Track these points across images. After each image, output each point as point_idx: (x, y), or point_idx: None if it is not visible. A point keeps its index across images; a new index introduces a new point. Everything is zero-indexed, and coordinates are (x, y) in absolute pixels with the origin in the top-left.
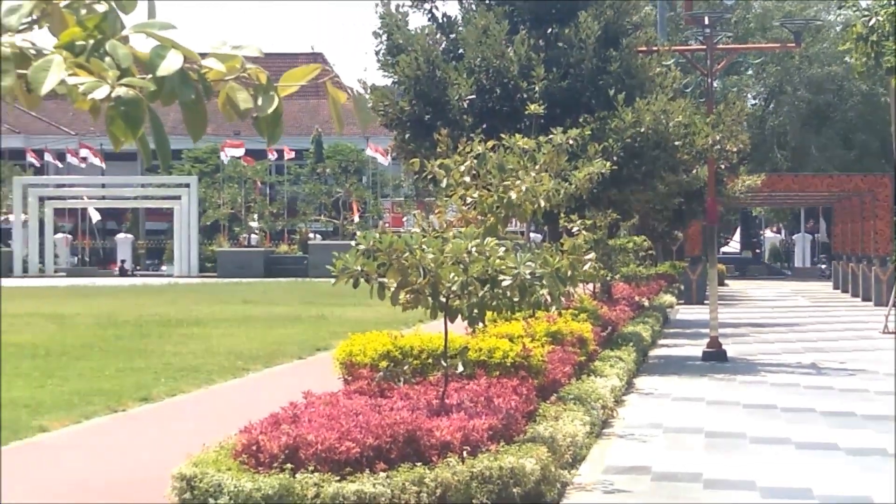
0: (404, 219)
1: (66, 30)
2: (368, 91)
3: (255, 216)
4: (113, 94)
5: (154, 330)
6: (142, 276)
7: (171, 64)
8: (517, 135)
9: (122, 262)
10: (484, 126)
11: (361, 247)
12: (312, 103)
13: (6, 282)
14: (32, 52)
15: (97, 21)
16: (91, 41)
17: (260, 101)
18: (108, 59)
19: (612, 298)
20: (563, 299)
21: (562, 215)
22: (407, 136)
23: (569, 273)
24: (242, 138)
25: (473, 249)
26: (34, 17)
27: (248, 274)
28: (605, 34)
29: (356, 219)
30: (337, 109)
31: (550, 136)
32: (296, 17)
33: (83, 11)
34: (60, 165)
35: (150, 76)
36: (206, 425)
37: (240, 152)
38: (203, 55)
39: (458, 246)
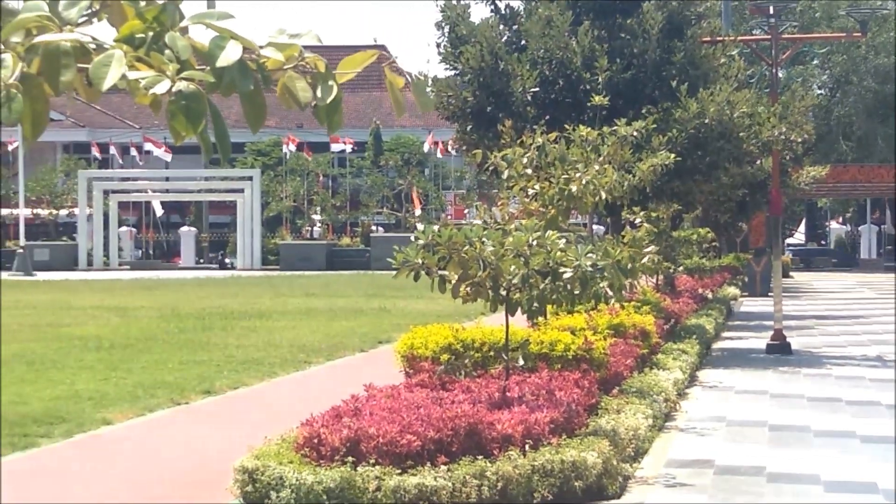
0: (466, 211)
1: (125, 22)
2: (430, 83)
3: (318, 209)
4: (174, 89)
5: (217, 322)
6: (205, 268)
7: (230, 55)
8: (581, 126)
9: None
10: (546, 117)
11: (421, 241)
12: (375, 95)
13: (72, 275)
14: (93, 46)
15: (156, 13)
16: (150, 34)
17: (319, 90)
18: (167, 51)
19: (676, 291)
20: (624, 292)
21: (624, 207)
22: (469, 127)
23: (629, 265)
24: (305, 131)
25: (534, 242)
26: (93, 9)
27: (311, 267)
28: (668, 24)
29: (418, 211)
30: (395, 93)
31: (615, 127)
32: (358, 10)
33: (142, 3)
34: (122, 160)
35: (208, 68)
36: (269, 418)
37: (296, 146)
38: (261, 46)
39: (519, 239)
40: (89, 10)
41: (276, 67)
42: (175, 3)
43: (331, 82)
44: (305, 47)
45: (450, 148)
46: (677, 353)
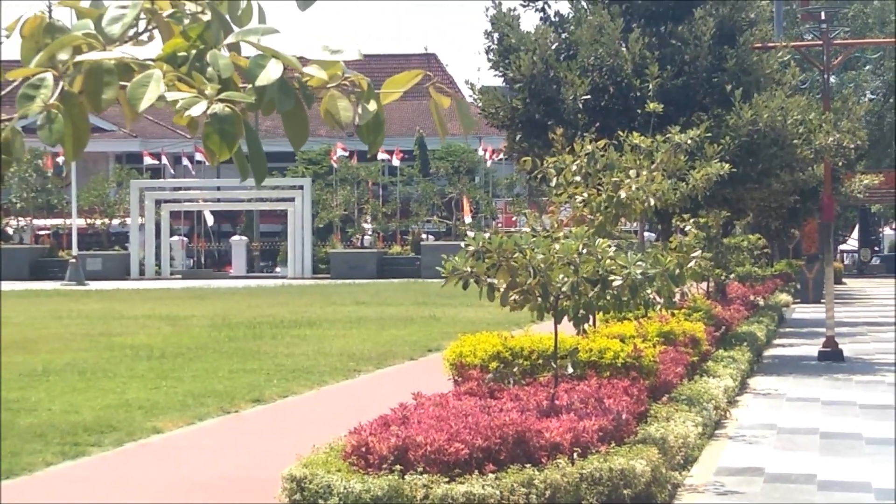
0: (515, 218)
1: (171, 38)
2: (477, 93)
3: (368, 217)
4: (209, 111)
5: (267, 331)
6: (256, 277)
7: (270, 74)
8: (635, 133)
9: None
10: (597, 125)
11: (471, 248)
12: (425, 104)
13: (124, 284)
14: (135, 65)
15: (200, 30)
16: (193, 52)
17: (360, 110)
18: (209, 69)
19: (727, 298)
20: (674, 298)
21: (675, 214)
22: (519, 135)
23: (676, 272)
24: (356, 140)
25: (584, 250)
26: (139, 28)
27: (361, 275)
28: (720, 31)
29: (468, 219)
30: (439, 115)
31: (668, 134)
32: (411, 18)
33: (186, 21)
34: (174, 170)
35: (249, 86)
36: (317, 426)
37: (343, 153)
38: (303, 60)
39: (569, 246)
40: (135, 28)
41: (319, 85)
42: (217, 22)
43: (372, 102)
44: (348, 64)
45: (500, 155)
46: (728, 361)
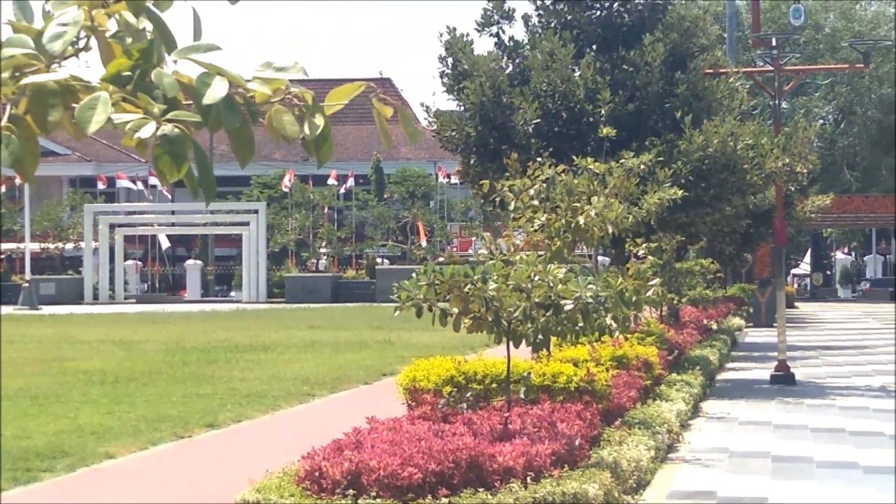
0: (474, 240)
1: (112, 59)
2: (432, 116)
3: (323, 241)
4: (158, 132)
5: (221, 356)
6: (211, 301)
7: (216, 92)
8: (588, 158)
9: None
10: (551, 150)
11: (423, 281)
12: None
13: (77, 308)
14: (80, 85)
15: (142, 47)
16: (137, 71)
17: (306, 124)
18: (155, 90)
19: (680, 322)
20: (627, 323)
21: (627, 239)
22: (473, 160)
23: (633, 298)
24: (311, 164)
25: (536, 277)
26: (79, 44)
27: (316, 299)
28: (671, 56)
29: (424, 243)
30: (382, 124)
31: (622, 160)
32: (365, 43)
33: (129, 40)
34: (128, 194)
35: (195, 106)
36: (271, 451)
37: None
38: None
39: (521, 273)
40: (75, 44)
41: (263, 101)
42: (160, 38)
43: (318, 115)
44: (299, 81)
45: (454, 179)
46: (681, 385)
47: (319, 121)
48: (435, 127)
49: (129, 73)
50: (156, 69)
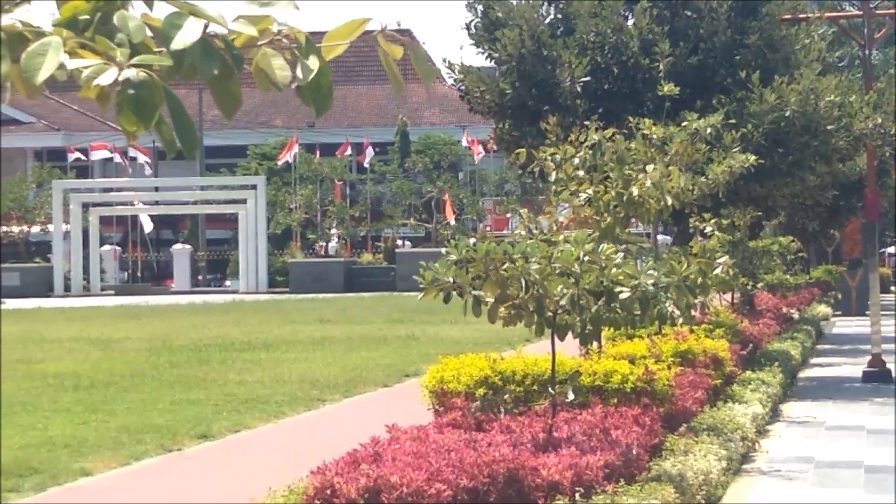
0: (510, 216)
1: (68, 2)
2: (458, 73)
3: (334, 221)
4: (120, 78)
5: (215, 355)
6: (202, 292)
7: (188, 35)
8: (645, 119)
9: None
10: (599, 111)
11: (453, 257)
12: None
13: (46, 302)
14: (30, 33)
15: None
16: (98, 14)
17: (299, 68)
18: (119, 34)
19: (755, 310)
20: (693, 312)
21: (693, 214)
22: (508, 124)
23: (698, 281)
24: (318, 131)
25: (586, 257)
26: None
27: (326, 288)
28: (741, 1)
29: (452, 222)
30: (391, 67)
31: (685, 121)
32: None
33: None
34: (104, 168)
35: (166, 51)
36: (275, 466)
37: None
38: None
39: (568, 254)
40: None
41: (248, 44)
42: None
43: (313, 58)
44: (282, 28)
45: (487, 147)
46: (756, 384)
47: (314, 63)
48: (462, 86)
49: (88, 16)
50: (119, 11)
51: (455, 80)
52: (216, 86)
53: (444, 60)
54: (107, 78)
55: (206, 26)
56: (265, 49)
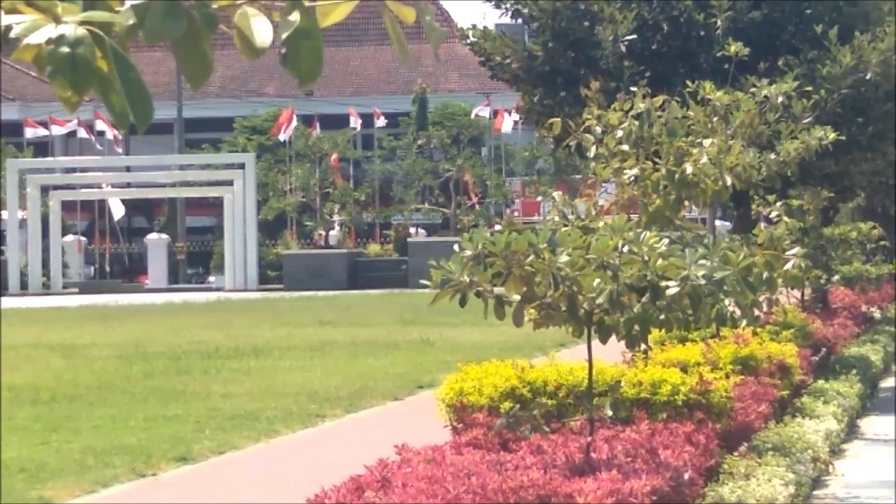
0: (541, 201)
1: None
2: (478, 37)
3: (336, 206)
4: (55, 35)
5: (196, 364)
6: (182, 289)
7: None
8: (706, 84)
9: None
10: (647, 75)
11: (468, 252)
12: (413, 50)
13: None
14: None
15: None
16: None
17: (280, 23)
18: None
19: (829, 309)
20: (756, 312)
21: (756, 197)
22: (538, 93)
23: (763, 275)
24: (316, 101)
25: (625, 248)
26: None
27: (326, 285)
28: None
29: (475, 206)
30: (395, 30)
31: (753, 87)
32: None
33: None
34: (67, 145)
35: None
36: (266, 493)
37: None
38: None
39: (604, 244)
40: None
41: (228, 3)
42: None
43: (296, 13)
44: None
45: (513, 117)
46: (831, 395)
47: (295, 17)
48: (483, 49)
49: None
50: None
51: (472, 45)
52: (180, 49)
53: (462, 31)
54: (40, 36)
55: None
56: (245, 7)
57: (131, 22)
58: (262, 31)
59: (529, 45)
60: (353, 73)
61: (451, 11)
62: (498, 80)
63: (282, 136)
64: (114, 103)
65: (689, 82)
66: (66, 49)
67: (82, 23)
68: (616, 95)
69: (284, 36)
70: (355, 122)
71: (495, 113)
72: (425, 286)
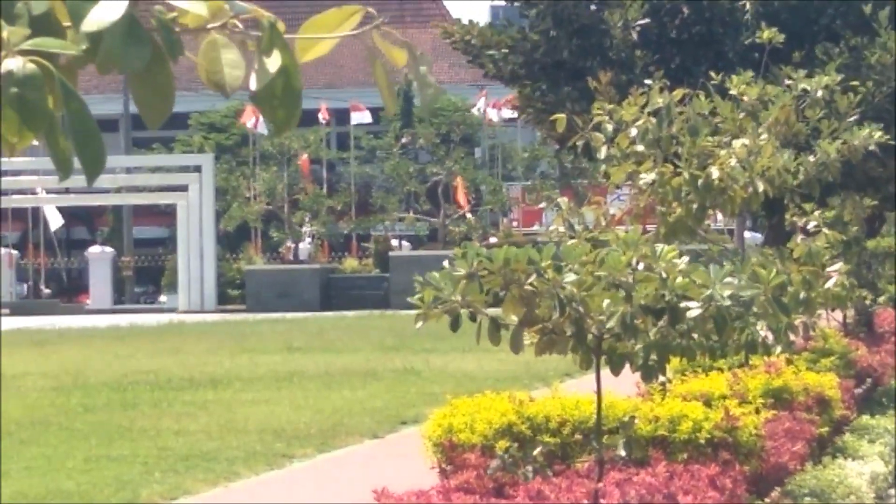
0: (542, 208)
1: None
2: (469, 34)
3: (306, 215)
4: (2, 70)
5: (145, 396)
6: (129, 310)
7: (104, 13)
8: (734, 76)
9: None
10: (663, 67)
11: (462, 270)
12: (396, 34)
13: None
14: None
15: None
16: None
17: (257, 67)
18: (17, 3)
19: (875, 333)
20: (792, 336)
21: (790, 205)
22: (538, 87)
23: (800, 295)
24: None
25: (639, 264)
26: None
27: (296, 305)
28: None
29: (466, 214)
30: (385, 80)
31: (787, 81)
32: None
33: None
34: None
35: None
36: None
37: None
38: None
39: (616, 259)
40: None
41: (195, 26)
42: None
43: (276, 54)
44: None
45: (504, 113)
46: (877, 433)
47: (275, 61)
48: (472, 42)
49: None
50: None
51: (456, 44)
52: (138, 82)
53: (445, 28)
54: None
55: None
56: (214, 36)
57: (84, 47)
58: (233, 67)
59: (530, 34)
60: (326, 62)
61: (450, 9)
62: (491, 77)
63: (245, 124)
64: (59, 148)
65: (713, 73)
66: (14, 89)
67: (27, 51)
68: (628, 90)
69: (260, 82)
70: (326, 119)
71: (492, 107)
72: (410, 306)
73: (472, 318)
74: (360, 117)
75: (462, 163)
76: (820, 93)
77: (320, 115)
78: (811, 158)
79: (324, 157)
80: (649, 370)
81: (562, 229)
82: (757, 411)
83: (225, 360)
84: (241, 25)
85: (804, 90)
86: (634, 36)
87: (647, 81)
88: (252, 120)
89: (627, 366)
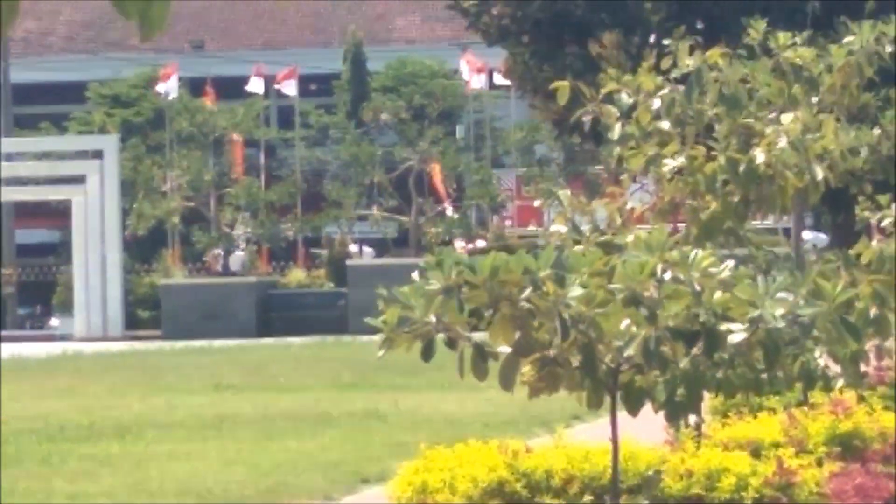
0: (542, 203)
1: None
2: None
3: (239, 213)
4: None
5: (31, 449)
6: (11, 339)
7: None
8: (780, 34)
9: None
10: (685, 25)
11: (437, 283)
12: None
13: None
14: None
15: None
16: None
17: None
18: None
19: None
20: (863, 366)
21: (859, 197)
22: (530, 51)
23: (871, 313)
24: (212, 56)
25: (667, 273)
26: None
27: (226, 330)
28: None
29: (447, 211)
30: None
31: (847, 37)
32: None
33: None
34: None
35: None
36: None
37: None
38: None
39: (635, 268)
40: None
41: None
42: None
43: None
44: None
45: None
46: None
47: None
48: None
49: None
50: None
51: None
52: None
53: None
54: None
55: None
56: None
57: None
58: None
59: None
60: (263, 16)
61: None
62: (482, 33)
63: (162, 90)
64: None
65: (754, 31)
66: None
67: None
68: (642, 53)
69: None
70: (258, 85)
71: (477, 72)
72: (373, 331)
73: (451, 344)
74: (287, 87)
75: (440, 145)
76: (889, 48)
77: (254, 83)
78: (877, 132)
79: (261, 137)
80: (676, 408)
81: (565, 230)
82: (819, 463)
83: (134, 403)
84: None
85: (862, 46)
86: None
87: (665, 42)
88: (163, 88)
89: (649, 405)
